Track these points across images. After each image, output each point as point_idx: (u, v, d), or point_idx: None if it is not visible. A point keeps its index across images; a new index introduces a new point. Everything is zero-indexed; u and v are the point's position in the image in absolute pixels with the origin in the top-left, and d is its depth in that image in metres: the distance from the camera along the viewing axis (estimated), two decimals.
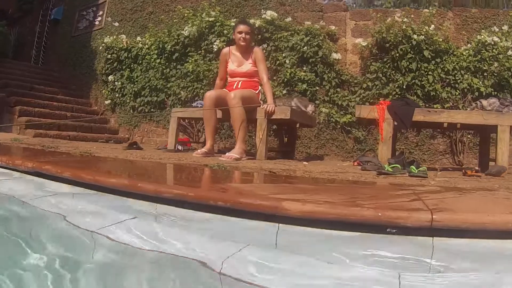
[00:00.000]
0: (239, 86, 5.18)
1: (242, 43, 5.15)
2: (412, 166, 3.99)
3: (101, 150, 5.22)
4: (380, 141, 4.74)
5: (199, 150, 5.04)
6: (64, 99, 9.52)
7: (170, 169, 3.32)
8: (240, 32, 5.11)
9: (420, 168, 3.95)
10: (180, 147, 6.16)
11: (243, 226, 1.71)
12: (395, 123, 4.75)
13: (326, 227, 1.58)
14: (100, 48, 9.39)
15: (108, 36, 9.19)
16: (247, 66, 5.20)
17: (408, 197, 2.02)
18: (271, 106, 4.98)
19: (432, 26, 6.33)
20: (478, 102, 5.04)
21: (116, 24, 9.63)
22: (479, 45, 6.35)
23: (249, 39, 5.17)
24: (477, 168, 4.46)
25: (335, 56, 6.69)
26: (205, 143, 5.24)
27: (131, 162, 3.89)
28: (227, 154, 4.71)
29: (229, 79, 5.39)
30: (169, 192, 1.97)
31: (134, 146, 6.31)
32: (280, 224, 1.63)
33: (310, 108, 5.73)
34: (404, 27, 6.35)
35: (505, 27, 6.37)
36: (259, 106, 5.09)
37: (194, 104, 6.24)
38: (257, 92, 5.22)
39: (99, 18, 10.40)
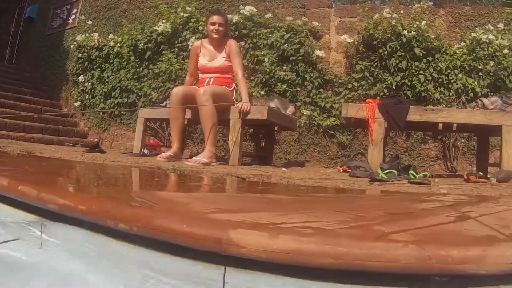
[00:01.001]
0: (210, 83, 4.37)
1: (215, 36, 4.37)
2: (412, 172, 3.22)
3: (55, 152, 4.34)
4: (370, 144, 3.96)
5: (163, 154, 4.22)
6: (32, 100, 8.58)
7: (102, 172, 2.44)
8: (213, 24, 4.33)
9: (421, 174, 3.17)
10: (146, 151, 5.34)
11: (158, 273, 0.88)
12: (386, 124, 4.00)
13: (318, 278, 0.76)
14: (72, 47, 8.51)
15: (80, 35, 8.33)
16: (220, 60, 4.40)
17: (446, 213, 1.20)
18: (246, 105, 4.19)
19: (424, 21, 5.59)
20: (478, 100, 4.34)
21: (90, 22, 8.74)
22: (473, 43, 5.67)
23: (223, 31, 4.39)
24: (480, 173, 3.70)
25: (319, 53, 5.90)
26: None
27: (67, 162, 3.03)
28: (194, 158, 3.90)
29: (200, 75, 4.58)
30: (53, 202, 1.13)
31: (96, 149, 5.41)
32: (227, 269, 0.81)
33: (290, 109, 4.92)
34: (393, 23, 5.60)
35: (501, 25, 5.69)
36: (233, 105, 4.30)
37: (163, 104, 5.41)
38: (231, 89, 4.42)
39: (73, 16, 9.49)
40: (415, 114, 3.97)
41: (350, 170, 3.64)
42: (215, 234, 0.79)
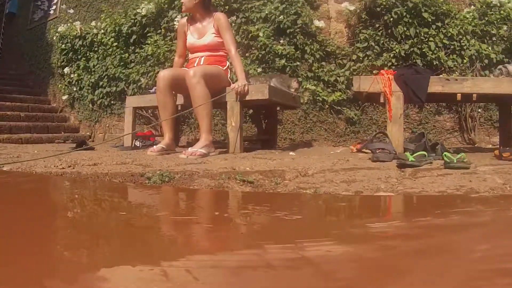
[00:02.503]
0: (201, 63, 3.75)
1: (182, 9, 3.89)
2: (446, 153, 2.61)
3: (29, 155, 3.66)
4: (389, 121, 3.35)
5: (154, 147, 3.61)
6: (18, 98, 7.85)
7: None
8: None
9: (459, 155, 2.55)
10: (138, 143, 4.72)
11: None
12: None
13: None
14: (54, 38, 7.78)
15: (62, 25, 7.60)
16: (209, 37, 3.75)
17: None
18: (244, 85, 3.58)
19: None
20: (501, 67, 3.73)
21: (71, 11, 8.01)
22: (484, 6, 5.11)
23: (191, 3, 3.74)
24: None
25: (318, 24, 5.21)
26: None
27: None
28: (189, 149, 3.29)
29: (189, 55, 3.95)
30: None
31: (84, 145, 4.72)
32: None
33: (294, 85, 4.29)
34: None
35: None
36: (228, 85, 3.73)
37: (151, 91, 4.76)
38: (224, 68, 3.80)
39: (54, 7, 8.72)
40: (436, 85, 3.37)
41: (368, 151, 3.05)
42: None
